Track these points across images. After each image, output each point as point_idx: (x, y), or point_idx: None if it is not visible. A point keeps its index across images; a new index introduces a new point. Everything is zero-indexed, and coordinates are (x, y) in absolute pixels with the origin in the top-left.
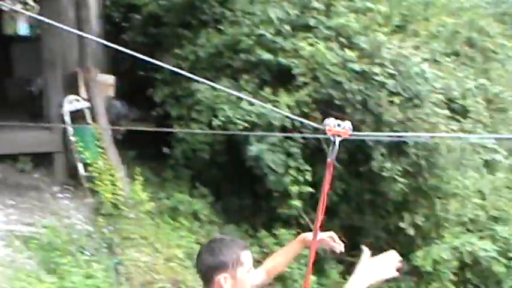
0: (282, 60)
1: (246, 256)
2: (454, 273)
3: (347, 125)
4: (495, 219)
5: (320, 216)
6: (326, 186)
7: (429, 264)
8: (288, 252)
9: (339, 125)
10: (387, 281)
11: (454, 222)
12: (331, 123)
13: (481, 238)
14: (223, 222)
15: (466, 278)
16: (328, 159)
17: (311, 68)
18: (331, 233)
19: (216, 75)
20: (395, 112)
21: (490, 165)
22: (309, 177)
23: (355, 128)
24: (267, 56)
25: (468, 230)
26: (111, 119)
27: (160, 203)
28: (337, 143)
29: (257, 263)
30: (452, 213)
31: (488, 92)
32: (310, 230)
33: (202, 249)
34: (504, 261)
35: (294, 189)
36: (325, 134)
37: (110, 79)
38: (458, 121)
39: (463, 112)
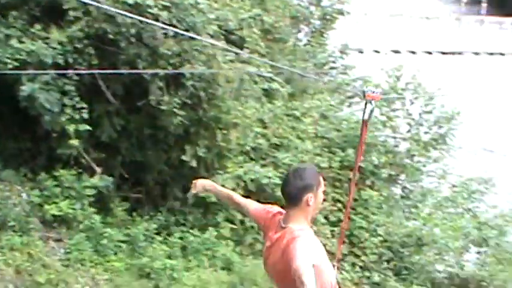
0: None
1: (322, 179)
2: None
3: (379, 90)
4: (277, 147)
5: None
6: (361, 146)
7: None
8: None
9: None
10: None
11: (237, 152)
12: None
13: (263, 166)
14: (1, 168)
15: None
16: (365, 118)
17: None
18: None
19: None
20: (171, 44)
21: (269, 95)
22: (85, 115)
23: (131, 63)
24: None
25: (251, 159)
26: None
27: None
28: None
29: (39, 206)
30: (234, 143)
31: (265, 22)
32: (92, 169)
33: (290, 176)
34: None
35: (71, 128)
36: None
37: None
38: (236, 53)
39: (240, 43)
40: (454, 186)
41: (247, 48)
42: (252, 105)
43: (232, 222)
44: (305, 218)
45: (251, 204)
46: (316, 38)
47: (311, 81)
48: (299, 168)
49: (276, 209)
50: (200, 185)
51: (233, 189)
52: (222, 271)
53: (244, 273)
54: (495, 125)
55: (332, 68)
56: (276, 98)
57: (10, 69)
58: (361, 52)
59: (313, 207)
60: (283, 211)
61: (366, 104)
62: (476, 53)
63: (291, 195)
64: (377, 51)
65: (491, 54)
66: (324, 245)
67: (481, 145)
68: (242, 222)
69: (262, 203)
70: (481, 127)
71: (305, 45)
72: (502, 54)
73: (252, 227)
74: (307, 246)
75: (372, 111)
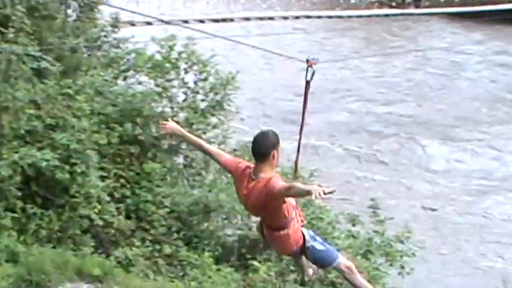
0: None
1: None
2: (20, 189)
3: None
4: (52, 128)
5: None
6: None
7: None
8: None
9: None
10: None
11: (11, 137)
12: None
13: (40, 149)
14: None
15: (32, 191)
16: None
17: None
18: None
19: None
20: None
21: (40, 74)
22: None
23: None
24: None
25: (26, 142)
26: None
27: None
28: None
29: None
30: (7, 127)
31: None
32: None
33: (259, 137)
34: (67, 167)
35: None
36: None
37: None
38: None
39: (5, 22)
40: (235, 150)
41: (12, 27)
42: (22, 86)
43: (13, 211)
44: (271, 170)
45: (221, 155)
46: (86, 13)
47: (83, 57)
48: (265, 132)
49: (244, 163)
50: (170, 127)
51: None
52: (7, 264)
53: (31, 264)
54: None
55: (104, 42)
56: (48, 78)
57: None
58: (133, 25)
59: (276, 161)
60: (251, 165)
61: (307, 68)
62: (247, 19)
63: (262, 152)
64: (149, 23)
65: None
66: (111, 223)
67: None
68: (23, 209)
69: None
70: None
71: (75, 20)
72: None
73: (35, 213)
74: (280, 179)
75: (313, 73)
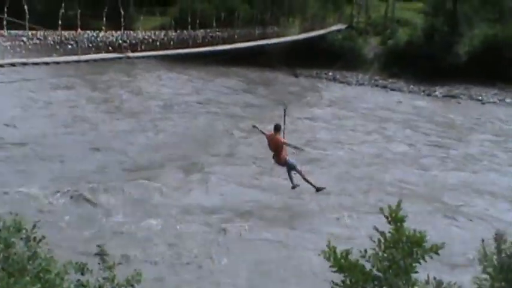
0: None
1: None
2: None
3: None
4: None
5: None
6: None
7: None
8: None
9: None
10: None
11: None
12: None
13: None
14: None
15: None
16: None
17: None
18: None
19: None
20: None
21: None
22: None
23: None
24: None
25: None
26: None
27: None
28: None
29: None
30: None
31: None
32: None
33: (276, 124)
34: None
35: None
36: None
37: None
38: None
39: None
40: None
41: None
42: None
43: None
44: (279, 135)
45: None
46: None
47: None
48: (277, 123)
49: (271, 133)
50: None
51: None
52: None
53: None
54: None
55: None
56: None
57: None
58: None
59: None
60: (273, 133)
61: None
62: None
63: (277, 128)
64: None
65: None
66: None
67: None
68: None
69: None
70: None
71: None
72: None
73: None
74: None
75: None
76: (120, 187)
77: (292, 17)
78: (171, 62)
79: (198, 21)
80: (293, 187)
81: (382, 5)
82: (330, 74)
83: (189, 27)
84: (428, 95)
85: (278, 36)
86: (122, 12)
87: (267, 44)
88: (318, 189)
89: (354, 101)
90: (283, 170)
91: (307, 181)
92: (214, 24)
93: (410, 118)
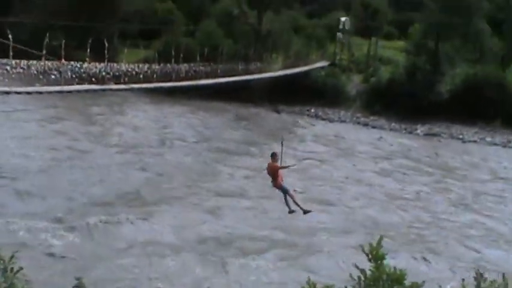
0: None
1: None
2: None
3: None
4: None
5: None
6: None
7: None
8: None
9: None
10: None
11: None
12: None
13: None
14: None
15: None
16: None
17: None
18: None
19: None
20: None
21: None
22: None
23: None
24: None
25: None
26: None
27: None
28: None
29: None
30: None
31: None
32: None
33: (272, 152)
34: None
35: None
36: None
37: None
38: None
39: None
40: None
41: None
42: None
43: None
44: (276, 162)
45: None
46: None
47: None
48: (274, 151)
49: (269, 163)
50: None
51: None
52: None
53: None
54: None
55: None
56: None
57: None
58: None
59: (277, 160)
60: (271, 161)
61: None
62: None
63: (273, 155)
64: None
65: None
66: None
67: None
68: None
69: None
70: None
71: None
72: None
73: None
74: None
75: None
76: (107, 222)
77: (276, 53)
78: (154, 95)
79: (181, 55)
80: (290, 212)
81: (365, 43)
82: (312, 110)
83: (173, 60)
84: (410, 132)
85: (261, 72)
86: (106, 44)
87: (250, 80)
88: (305, 212)
89: (336, 138)
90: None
91: (297, 204)
92: (198, 58)
93: (390, 156)
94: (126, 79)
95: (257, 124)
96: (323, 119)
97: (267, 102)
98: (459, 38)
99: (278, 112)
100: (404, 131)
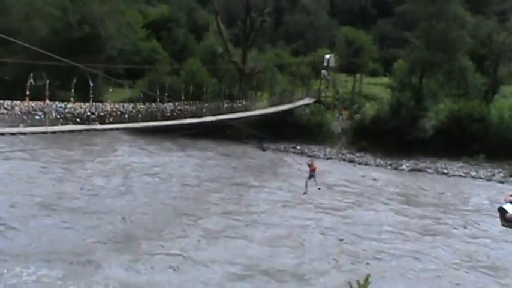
0: None
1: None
2: None
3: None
4: None
5: None
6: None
7: None
8: None
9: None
10: None
11: None
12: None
13: None
14: None
15: None
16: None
17: None
18: None
19: None
20: None
21: None
22: None
23: None
24: None
25: None
26: None
27: None
28: None
29: None
30: None
31: None
32: None
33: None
34: None
35: None
36: None
37: None
38: None
39: None
40: None
41: None
42: None
43: None
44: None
45: None
46: None
47: None
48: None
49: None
50: None
51: None
52: None
53: None
54: None
55: None
56: None
57: None
58: None
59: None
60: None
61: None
62: None
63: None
64: None
65: None
66: None
67: None
68: None
69: None
70: None
71: None
72: None
73: None
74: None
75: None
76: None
77: (261, 91)
78: (139, 135)
79: (166, 94)
80: (304, 193)
81: (349, 80)
82: (298, 147)
83: (158, 100)
84: (395, 168)
85: (246, 110)
86: (91, 84)
87: (235, 118)
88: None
89: (322, 175)
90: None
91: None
92: (182, 97)
93: (376, 192)
94: (111, 119)
95: (243, 162)
96: (309, 156)
97: (253, 140)
98: (443, 74)
99: (264, 150)
100: (389, 167)
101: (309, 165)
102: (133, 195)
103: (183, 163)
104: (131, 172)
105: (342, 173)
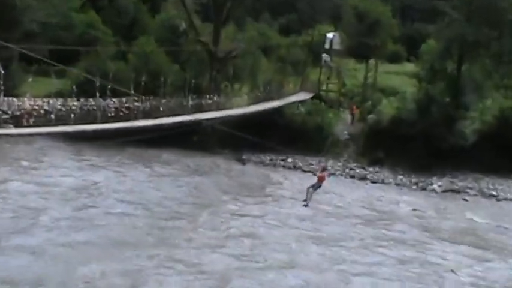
0: None
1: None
2: None
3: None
4: None
5: None
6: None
7: None
8: None
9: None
10: None
11: None
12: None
13: None
14: None
15: None
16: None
17: None
18: None
19: None
20: None
21: None
22: None
23: None
24: None
25: None
26: None
27: None
28: None
29: None
30: None
31: None
32: None
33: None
34: None
35: None
36: None
37: None
38: None
39: None
40: None
41: None
42: None
43: None
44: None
45: None
46: None
47: None
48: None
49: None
50: None
51: None
52: None
53: None
54: None
55: None
56: None
57: None
58: None
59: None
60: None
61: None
62: None
63: (324, 168)
64: None
65: None
66: None
67: None
68: None
69: None
70: None
71: None
72: None
73: None
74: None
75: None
76: None
77: (239, 83)
78: (71, 142)
79: (109, 87)
80: (305, 201)
81: (360, 68)
82: (289, 160)
83: (97, 94)
84: (423, 189)
85: (219, 108)
86: (2, 71)
87: (204, 120)
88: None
89: (323, 199)
90: None
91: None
92: (132, 90)
93: (398, 224)
94: (31, 120)
95: (214, 181)
96: (304, 172)
97: (228, 149)
98: (490, 57)
99: (243, 163)
100: (415, 187)
101: (321, 171)
102: (58, 230)
103: (129, 183)
104: (54, 195)
105: (352, 195)
